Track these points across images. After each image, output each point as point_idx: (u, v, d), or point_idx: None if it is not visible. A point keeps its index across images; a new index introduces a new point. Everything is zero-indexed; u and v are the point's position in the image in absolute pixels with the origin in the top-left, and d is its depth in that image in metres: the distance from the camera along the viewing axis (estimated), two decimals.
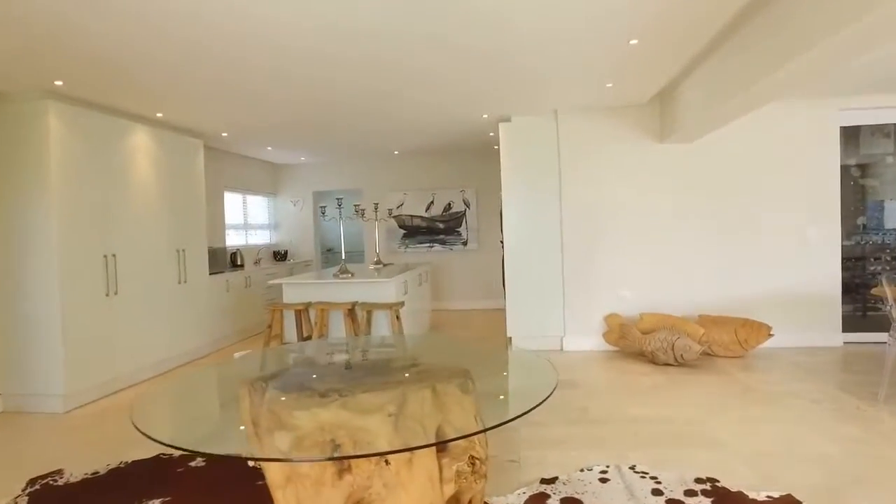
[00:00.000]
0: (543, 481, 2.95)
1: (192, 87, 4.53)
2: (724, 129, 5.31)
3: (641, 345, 5.22)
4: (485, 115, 5.97)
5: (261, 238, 9.29)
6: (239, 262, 7.90)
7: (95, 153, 4.80)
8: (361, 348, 3.86)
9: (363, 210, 7.11)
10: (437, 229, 9.09)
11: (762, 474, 2.91)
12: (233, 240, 8.36)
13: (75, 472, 3.43)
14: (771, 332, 5.12)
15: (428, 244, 9.13)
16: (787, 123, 5.48)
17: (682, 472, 2.96)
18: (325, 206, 5.89)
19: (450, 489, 1.92)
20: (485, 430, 1.95)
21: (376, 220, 7.21)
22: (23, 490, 3.25)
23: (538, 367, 2.97)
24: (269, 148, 7.61)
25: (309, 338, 5.49)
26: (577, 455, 3.26)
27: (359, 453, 1.76)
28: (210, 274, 6.54)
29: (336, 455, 1.79)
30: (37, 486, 3.29)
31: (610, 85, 4.84)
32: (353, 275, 5.84)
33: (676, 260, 5.63)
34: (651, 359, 5.16)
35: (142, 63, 3.88)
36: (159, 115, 5.36)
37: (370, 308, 5.28)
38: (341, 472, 1.94)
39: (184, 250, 5.93)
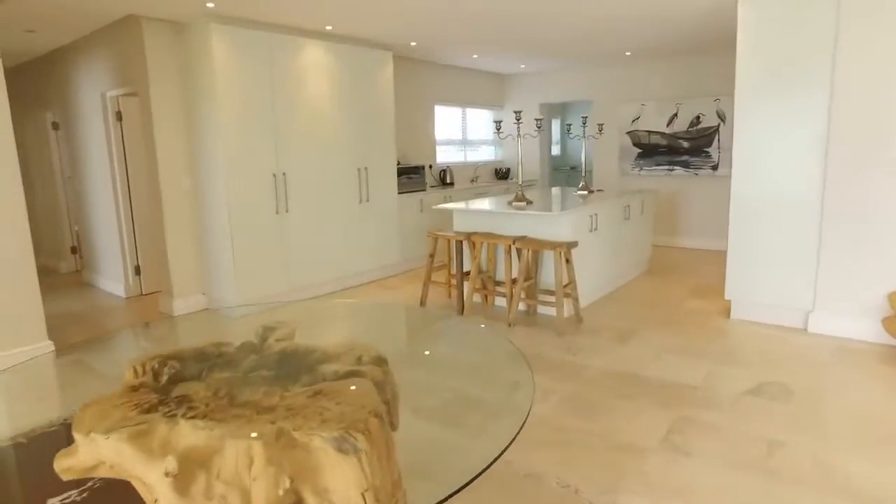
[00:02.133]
0: None
1: None
2: None
3: None
4: None
5: (484, 154, 8.81)
6: (448, 181, 7.59)
7: (260, 72, 4.78)
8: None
9: (566, 124, 5.94)
10: (680, 148, 7.27)
11: None
12: (451, 156, 8.06)
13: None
14: None
15: (667, 167, 7.42)
16: None
17: None
18: (500, 122, 4.98)
19: None
20: None
21: (583, 136, 5.98)
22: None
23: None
24: (475, 56, 6.87)
25: (468, 274, 4.88)
26: None
27: None
28: (402, 193, 6.35)
29: None
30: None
31: None
32: (529, 203, 4.92)
33: None
34: None
35: None
36: (328, 27, 5.07)
37: (534, 246, 4.34)
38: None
39: (366, 168, 5.78)
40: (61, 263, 7.02)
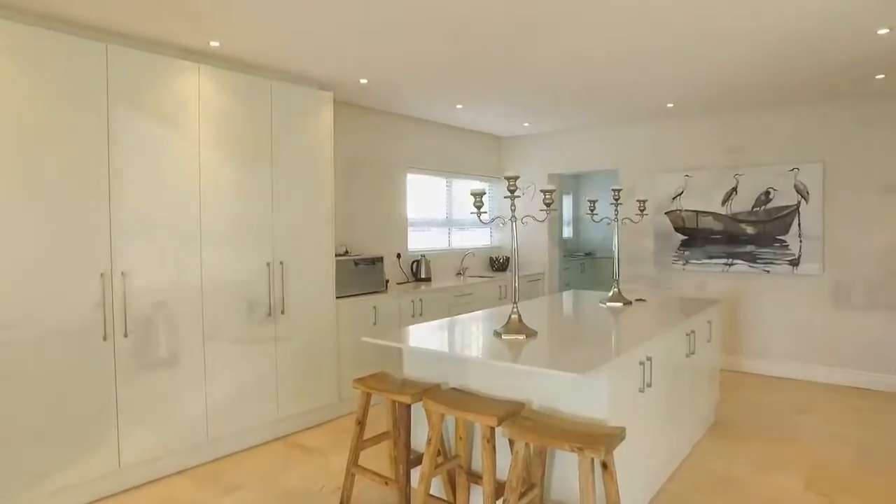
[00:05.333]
0: None
1: None
2: None
3: None
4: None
5: (476, 239, 6.83)
6: (423, 275, 5.59)
7: (87, 106, 2.87)
8: None
9: (590, 201, 3.98)
10: (743, 235, 5.26)
11: None
12: (431, 241, 6.08)
13: None
14: None
15: (724, 259, 5.37)
16: None
17: None
18: (481, 194, 3.00)
19: None
20: None
21: (616, 219, 4.01)
22: None
23: None
24: (459, 106, 5.02)
25: (414, 463, 2.73)
26: None
27: None
28: (346, 296, 4.31)
29: None
30: None
31: None
32: (531, 335, 2.84)
33: None
34: None
35: None
36: (214, 44, 3.22)
37: (539, 441, 2.22)
38: None
39: (281, 263, 3.77)
40: None
